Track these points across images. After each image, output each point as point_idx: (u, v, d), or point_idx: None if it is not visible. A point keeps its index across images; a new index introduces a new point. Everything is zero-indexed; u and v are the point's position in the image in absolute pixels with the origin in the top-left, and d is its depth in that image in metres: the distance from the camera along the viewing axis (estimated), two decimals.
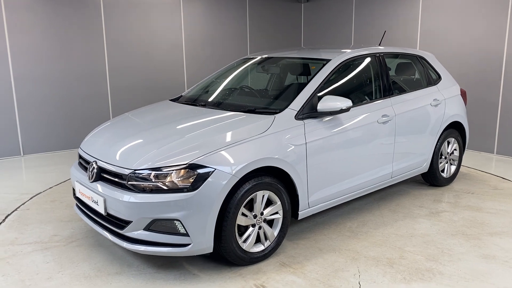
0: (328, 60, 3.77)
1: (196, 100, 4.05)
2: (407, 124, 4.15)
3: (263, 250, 3.14)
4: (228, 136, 3.04)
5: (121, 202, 2.84)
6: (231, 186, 2.86)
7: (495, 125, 6.23)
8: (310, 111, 3.40)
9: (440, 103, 4.56)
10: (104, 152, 3.21)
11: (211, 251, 2.90)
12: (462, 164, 5.40)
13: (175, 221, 2.79)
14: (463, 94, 4.98)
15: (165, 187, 2.79)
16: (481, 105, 6.26)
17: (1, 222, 3.93)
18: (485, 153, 6.35)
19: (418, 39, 6.90)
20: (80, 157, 3.50)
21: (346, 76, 3.98)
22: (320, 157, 3.39)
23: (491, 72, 6.12)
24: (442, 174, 4.79)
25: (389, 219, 3.93)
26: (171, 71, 7.50)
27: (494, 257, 3.23)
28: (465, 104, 4.98)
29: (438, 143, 4.60)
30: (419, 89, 4.51)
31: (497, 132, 6.22)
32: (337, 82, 3.84)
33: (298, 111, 3.35)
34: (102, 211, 2.99)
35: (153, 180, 2.81)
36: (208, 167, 2.82)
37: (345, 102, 3.37)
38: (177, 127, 3.36)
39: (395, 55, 4.60)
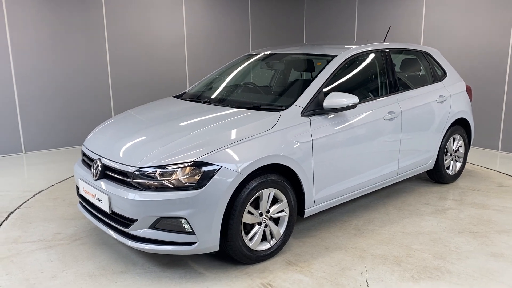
0: (333, 56, 3.73)
1: (200, 97, 4.01)
2: (413, 121, 4.11)
3: (269, 249, 3.11)
4: (234, 134, 3.00)
5: (126, 200, 2.81)
6: (237, 184, 2.83)
7: (499, 122, 6.19)
8: (316, 108, 3.36)
9: (446, 100, 4.52)
10: (108, 149, 3.18)
11: (217, 249, 2.87)
12: (467, 161, 5.37)
13: (181, 219, 2.75)
14: (469, 90, 4.94)
15: (170, 185, 2.76)
16: (486, 102, 6.22)
17: (4, 220, 3.90)
18: (490, 150, 6.31)
19: (422, 35, 6.86)
20: (84, 154, 3.46)
21: (352, 72, 3.94)
22: (326, 154, 3.35)
23: (496, 68, 6.08)
24: (447, 171, 4.75)
25: (395, 217, 3.90)
26: (172, 67, 7.46)
27: (503, 255, 3.20)
28: (471, 101, 4.94)
29: (444, 140, 4.56)
30: (424, 85, 4.47)
31: (501, 129, 6.18)
32: (342, 78, 3.80)
33: (304, 108, 3.31)
34: (106, 209, 2.96)
35: (158, 178, 2.78)
36: (214, 164, 2.79)
37: (352, 99, 3.33)
38: (182, 124, 3.32)
39: (400, 51, 4.55)
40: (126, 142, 3.15)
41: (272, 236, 3.13)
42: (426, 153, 4.39)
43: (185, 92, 4.32)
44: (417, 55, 4.67)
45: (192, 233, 2.77)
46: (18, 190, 4.71)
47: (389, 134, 3.88)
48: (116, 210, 2.92)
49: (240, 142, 2.93)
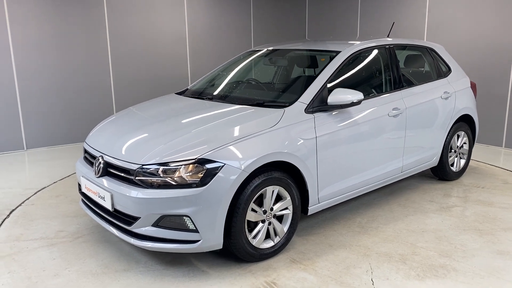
0: (337, 52, 3.69)
1: (202, 93, 3.97)
2: (418, 118, 4.07)
3: (273, 246, 3.08)
4: (237, 131, 2.97)
5: (128, 197, 2.78)
6: (241, 181, 2.80)
7: (503, 118, 6.14)
8: (320, 104, 3.33)
9: (450, 96, 4.48)
10: (110, 146, 3.15)
11: (221, 247, 2.84)
12: (471, 158, 5.32)
13: (184, 217, 2.73)
14: (473, 86, 4.90)
15: (173, 183, 2.73)
16: (490, 98, 6.17)
17: (6, 218, 3.88)
18: (494, 146, 6.27)
19: (425, 31, 6.80)
20: (86, 151, 3.43)
21: (356, 68, 3.90)
22: (330, 151, 3.32)
23: (500, 64, 6.03)
24: (451, 168, 4.72)
25: (399, 214, 3.87)
26: (174, 64, 7.42)
27: (509, 253, 3.16)
28: (475, 97, 4.90)
29: (448, 137, 4.52)
30: (429, 81, 4.42)
31: (505, 125, 6.14)
32: (346, 74, 3.75)
33: (308, 104, 3.28)
34: (109, 206, 2.93)
35: (161, 175, 2.75)
36: (217, 162, 2.76)
37: (356, 95, 3.29)
38: (184, 121, 3.29)
39: (405, 47, 4.51)
40: (128, 139, 3.12)
41: (275, 234, 3.10)
42: (431, 150, 4.35)
43: (187, 89, 4.28)
44: (422, 51, 4.63)
45: (196, 231, 2.74)
46: (20, 187, 4.68)
47: (394, 131, 3.84)
48: (118, 207, 2.89)
49: (243, 139, 2.90)
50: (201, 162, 2.75)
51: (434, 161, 4.45)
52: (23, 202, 4.25)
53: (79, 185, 3.41)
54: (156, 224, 2.77)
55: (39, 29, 6.16)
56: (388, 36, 4.60)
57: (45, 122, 6.38)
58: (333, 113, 3.39)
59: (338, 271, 2.92)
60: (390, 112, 3.78)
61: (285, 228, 3.15)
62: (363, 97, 3.34)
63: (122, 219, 2.91)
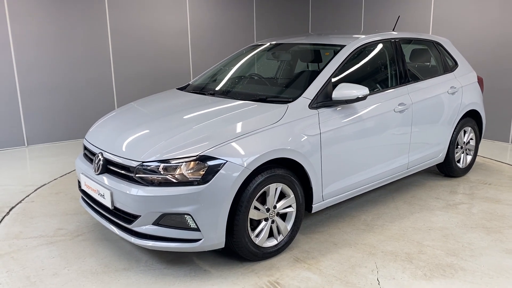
0: (342, 46, 3.60)
1: (204, 89, 3.90)
2: (424, 113, 3.99)
3: (276, 245, 3.02)
4: (239, 127, 2.89)
5: (128, 195, 2.71)
6: (244, 178, 2.73)
7: (510, 113, 6.04)
8: (324, 100, 3.24)
9: (457, 91, 4.38)
10: (110, 143, 3.08)
11: (223, 246, 2.78)
12: (477, 154, 5.23)
13: (185, 216, 2.66)
14: (480, 81, 4.80)
15: (174, 180, 2.66)
16: (497, 93, 6.07)
17: (5, 215, 3.82)
18: (500, 142, 6.18)
19: (431, 25, 6.69)
20: (85, 148, 3.37)
21: (361, 62, 3.81)
22: (335, 147, 3.24)
23: (507, 59, 5.92)
24: (458, 164, 4.63)
25: (405, 212, 3.79)
26: (176, 59, 7.34)
27: None
28: (482, 92, 4.80)
29: (455, 133, 4.43)
30: (435, 76, 4.33)
31: None
32: (351, 69, 3.67)
33: (312, 100, 3.20)
34: (109, 204, 2.87)
35: (162, 172, 2.68)
36: (219, 159, 2.69)
37: (362, 90, 3.21)
38: (186, 117, 3.22)
39: (410, 41, 4.41)
40: (128, 136, 3.05)
41: (279, 232, 3.04)
42: (437, 146, 4.27)
43: (189, 84, 4.21)
44: (428, 45, 4.53)
45: (197, 229, 2.67)
46: (20, 184, 4.63)
47: (400, 126, 3.76)
48: (118, 205, 2.83)
49: (246, 135, 2.83)
50: (203, 159, 2.68)
51: (440, 157, 4.37)
52: (23, 200, 4.19)
53: (79, 182, 3.35)
54: (156, 223, 2.71)
55: (40, 24, 6.08)
56: (393, 30, 4.50)
57: (46, 118, 6.32)
58: (338, 108, 3.31)
59: (343, 271, 2.85)
60: (396, 108, 3.70)
61: (289, 226, 3.08)
62: (368, 92, 3.26)
63: (122, 217, 2.85)
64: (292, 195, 3.04)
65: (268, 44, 4.31)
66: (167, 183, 2.67)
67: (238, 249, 2.84)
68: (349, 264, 2.93)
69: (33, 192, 4.40)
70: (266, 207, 2.93)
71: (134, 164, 2.76)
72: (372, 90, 3.62)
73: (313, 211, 3.24)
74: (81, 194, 3.41)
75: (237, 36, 7.88)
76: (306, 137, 3.06)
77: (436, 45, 4.55)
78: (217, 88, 3.87)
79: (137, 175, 2.73)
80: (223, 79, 4.08)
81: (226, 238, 2.78)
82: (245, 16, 7.96)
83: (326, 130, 3.17)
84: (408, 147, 3.90)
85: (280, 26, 8.37)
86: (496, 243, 3.22)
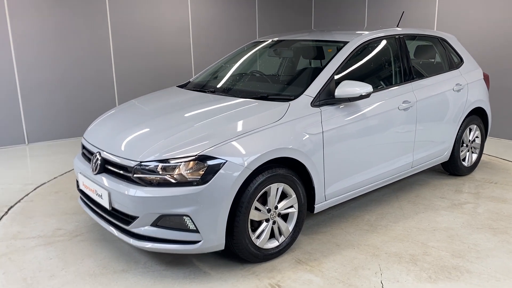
0: (345, 43, 3.52)
1: (204, 86, 3.83)
2: (429, 111, 3.91)
3: (277, 246, 2.95)
4: (240, 125, 2.83)
5: (126, 196, 2.65)
6: (244, 179, 2.66)
7: None
8: (327, 98, 3.17)
9: (462, 88, 4.30)
10: (108, 142, 3.02)
11: (223, 248, 2.72)
12: (483, 152, 5.14)
13: (184, 217, 2.60)
14: (486, 78, 4.71)
15: (173, 180, 2.60)
16: (503, 90, 5.97)
17: (4, 215, 3.78)
18: (505, 140, 6.08)
19: (436, 21, 6.59)
20: (84, 147, 3.31)
21: (365, 59, 3.73)
22: (338, 146, 3.17)
23: None
24: (463, 163, 4.55)
25: (409, 212, 3.72)
26: (178, 56, 7.27)
27: None
28: (488, 89, 4.71)
29: (460, 131, 4.35)
30: (440, 73, 4.25)
31: None
32: (354, 66, 3.59)
33: (314, 98, 3.12)
34: (106, 205, 2.82)
35: (160, 172, 2.62)
36: (219, 158, 2.62)
37: (365, 88, 3.13)
38: (185, 115, 3.15)
39: (415, 37, 4.33)
40: (126, 135, 2.99)
41: (280, 233, 2.97)
42: (442, 145, 4.19)
43: (189, 82, 4.14)
44: (433, 41, 4.44)
45: (196, 231, 2.61)
46: (19, 183, 4.59)
47: (404, 124, 3.69)
48: (116, 206, 2.77)
49: (246, 134, 2.76)
50: (202, 158, 2.61)
51: (445, 155, 4.29)
52: (22, 199, 4.15)
53: (77, 182, 3.29)
54: (155, 224, 2.65)
55: (39, 21, 6.02)
56: (397, 26, 4.41)
57: (46, 116, 6.27)
58: (341, 106, 3.23)
59: (346, 273, 2.79)
60: (400, 105, 3.62)
61: (290, 227, 3.01)
62: (372, 90, 3.18)
63: (120, 218, 2.79)
64: (294, 195, 2.97)
65: (270, 40, 4.24)
66: (165, 184, 2.61)
67: (239, 251, 2.78)
68: (352, 266, 2.87)
69: (32, 191, 4.36)
70: (267, 207, 2.86)
71: (131, 164, 2.70)
72: (376, 88, 3.54)
73: (315, 212, 3.18)
74: (79, 194, 3.35)
75: (239, 33, 7.80)
76: (308, 135, 2.99)
77: (441, 41, 4.46)
78: (218, 86, 3.80)
79: (135, 175, 2.67)
80: (224, 76, 4.01)
81: (226, 240, 2.72)
82: (247, 12, 7.88)
83: (328, 128, 3.10)
84: (412, 145, 3.82)
85: (283, 23, 8.28)
86: (503, 244, 3.15)
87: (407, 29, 4.18)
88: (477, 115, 4.58)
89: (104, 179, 2.84)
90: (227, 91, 3.62)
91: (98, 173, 2.90)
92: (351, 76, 3.42)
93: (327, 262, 2.92)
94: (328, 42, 3.90)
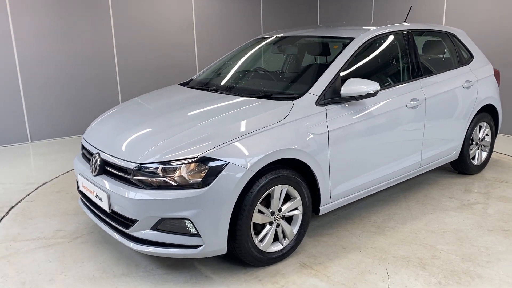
0: (351, 39, 3.42)
1: (207, 84, 3.74)
2: (438, 109, 3.79)
3: (281, 250, 2.87)
4: (243, 126, 2.74)
5: (126, 198, 2.58)
6: (246, 181, 2.58)
7: None
8: (332, 96, 3.07)
9: (472, 85, 4.18)
10: (108, 143, 2.95)
11: (225, 252, 2.64)
12: (493, 150, 5.02)
13: (185, 220, 2.53)
14: (497, 74, 4.59)
15: (174, 183, 2.52)
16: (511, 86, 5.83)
17: (5, 215, 3.73)
18: None
19: (444, 15, 6.44)
20: (83, 147, 3.24)
21: (371, 56, 3.62)
22: (344, 146, 3.07)
23: None
24: (472, 161, 4.44)
25: (418, 212, 3.62)
26: (181, 52, 7.19)
27: None
28: (498, 85, 4.59)
29: (470, 128, 4.24)
30: (449, 69, 4.13)
31: None
32: (361, 63, 3.48)
33: (319, 96, 3.03)
34: (106, 207, 2.75)
35: (160, 174, 2.54)
36: (221, 160, 2.54)
37: (372, 86, 3.03)
38: (186, 115, 3.07)
39: (423, 32, 4.20)
40: (126, 135, 2.91)
41: (284, 236, 2.89)
42: (451, 143, 4.07)
43: (191, 79, 4.06)
44: (441, 36, 4.32)
45: (197, 235, 2.54)
46: (21, 182, 4.54)
47: (412, 123, 3.58)
48: (116, 209, 2.70)
49: (249, 135, 2.67)
50: (204, 160, 2.53)
51: (454, 154, 4.18)
52: (23, 199, 4.10)
53: (77, 183, 3.23)
54: (155, 228, 2.58)
55: (41, 19, 5.96)
56: (405, 21, 4.30)
57: (49, 113, 6.23)
58: (346, 105, 3.13)
59: (352, 277, 2.70)
60: (408, 103, 3.51)
61: (295, 230, 2.93)
62: (379, 88, 3.07)
63: (120, 221, 2.72)
64: (298, 197, 2.89)
65: (274, 37, 4.14)
66: (166, 186, 2.54)
67: (241, 255, 2.71)
68: (358, 270, 2.78)
69: (34, 190, 4.31)
70: (271, 210, 2.78)
71: (131, 165, 2.62)
72: (384, 85, 3.43)
73: (320, 214, 3.09)
74: (80, 195, 3.29)
75: (243, 29, 7.69)
76: (313, 135, 2.90)
77: (451, 37, 4.34)
78: (221, 84, 3.71)
79: (134, 178, 2.60)
80: (227, 74, 3.92)
81: (228, 244, 2.64)
82: (252, 8, 7.77)
83: (334, 128, 3.01)
84: (421, 144, 3.72)
85: (288, 18, 8.16)
86: None
87: (415, 24, 4.06)
88: (487, 112, 4.46)
89: (104, 181, 2.77)
90: (230, 89, 3.53)
91: (98, 174, 2.84)
92: (357, 74, 3.31)
93: (333, 266, 2.83)
94: (334, 38, 3.79)
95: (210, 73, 4.04)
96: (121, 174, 2.70)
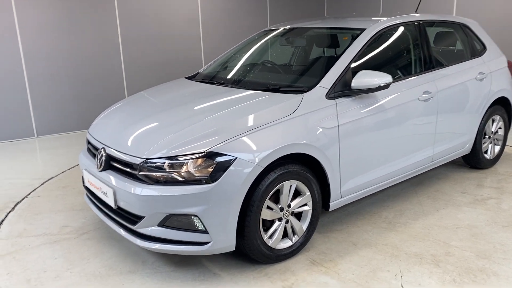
0: (362, 30, 3.32)
1: (214, 78, 3.67)
2: (451, 102, 3.70)
3: (290, 246, 2.81)
4: (251, 120, 2.67)
5: (132, 194, 2.53)
6: (255, 176, 2.51)
7: None
8: (343, 89, 2.99)
9: (486, 77, 4.07)
10: (113, 137, 2.89)
11: (233, 249, 2.58)
12: (506, 143, 4.91)
13: (192, 217, 2.47)
14: (510, 66, 4.47)
15: (180, 178, 2.46)
16: None
17: (10, 211, 3.70)
18: None
19: (455, 6, 6.30)
20: (89, 142, 3.19)
21: (382, 47, 3.52)
22: (354, 140, 2.99)
23: None
24: (485, 155, 4.34)
25: (429, 208, 3.54)
26: (187, 46, 7.12)
27: None
28: None
29: (483, 122, 4.13)
30: (462, 61, 4.02)
31: None
32: (372, 54, 3.39)
33: (329, 89, 2.94)
34: (112, 203, 2.69)
35: (167, 170, 2.48)
36: (229, 155, 2.47)
37: (384, 78, 2.94)
38: (192, 109, 3.00)
39: (435, 23, 4.09)
40: (132, 130, 2.85)
41: (294, 233, 2.83)
42: (463, 137, 3.98)
43: (198, 73, 3.98)
44: (454, 27, 4.21)
45: (205, 231, 2.48)
46: (27, 177, 4.51)
47: (424, 116, 3.49)
48: (122, 205, 2.65)
49: (257, 129, 2.60)
50: (211, 155, 2.47)
51: (466, 148, 4.08)
52: (29, 194, 4.07)
53: (83, 178, 3.18)
54: (162, 224, 2.52)
55: (47, 13, 5.91)
56: (416, 12, 4.19)
57: (55, 108, 6.19)
58: (357, 98, 3.05)
59: (364, 275, 2.63)
60: (420, 96, 3.42)
61: (304, 226, 2.86)
62: (391, 80, 2.98)
63: (126, 218, 2.67)
64: (308, 193, 2.82)
65: (282, 29, 4.05)
66: (173, 182, 2.48)
67: (250, 252, 2.65)
68: (370, 267, 2.71)
69: (40, 185, 4.27)
70: (280, 206, 2.71)
71: (137, 161, 2.56)
72: (395, 78, 3.34)
73: (330, 210, 3.02)
74: (85, 191, 3.24)
75: (250, 22, 7.60)
76: (322, 130, 2.82)
77: (463, 28, 4.22)
78: (228, 77, 3.64)
79: (140, 173, 2.54)
80: (234, 67, 3.84)
81: (236, 240, 2.58)
82: (258, 0, 7.66)
83: (344, 122, 2.93)
84: (433, 138, 3.63)
85: (295, 10, 8.04)
86: None
87: (426, 15, 3.95)
88: (501, 105, 4.35)
89: (109, 176, 2.71)
90: (237, 82, 3.46)
91: (103, 170, 2.78)
92: (368, 66, 3.22)
93: (344, 263, 2.77)
94: (343, 30, 3.70)
95: (217, 67, 3.97)
96: (127, 169, 2.64)
